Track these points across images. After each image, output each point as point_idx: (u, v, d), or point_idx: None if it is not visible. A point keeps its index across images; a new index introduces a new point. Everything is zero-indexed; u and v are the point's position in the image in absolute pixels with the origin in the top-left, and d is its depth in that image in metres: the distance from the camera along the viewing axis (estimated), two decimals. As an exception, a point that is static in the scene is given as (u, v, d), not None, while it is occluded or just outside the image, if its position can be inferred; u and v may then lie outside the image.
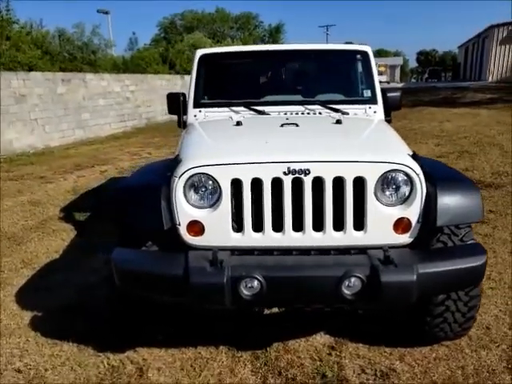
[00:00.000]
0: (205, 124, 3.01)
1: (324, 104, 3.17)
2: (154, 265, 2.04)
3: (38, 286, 3.50)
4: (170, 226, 2.11)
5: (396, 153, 2.19)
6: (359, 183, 2.07)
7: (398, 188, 2.11)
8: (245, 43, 30.21)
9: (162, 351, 2.59)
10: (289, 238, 2.12)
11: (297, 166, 2.07)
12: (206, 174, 2.12)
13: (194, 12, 40.70)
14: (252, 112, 3.15)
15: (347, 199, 2.08)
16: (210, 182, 2.13)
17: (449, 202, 2.08)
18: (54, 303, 3.19)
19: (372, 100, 3.28)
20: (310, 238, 2.12)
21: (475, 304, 2.28)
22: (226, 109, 3.22)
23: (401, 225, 2.12)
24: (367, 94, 3.30)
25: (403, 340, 2.58)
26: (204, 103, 3.29)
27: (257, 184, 2.09)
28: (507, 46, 24.45)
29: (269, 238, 2.12)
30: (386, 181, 2.10)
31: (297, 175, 2.07)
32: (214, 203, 2.14)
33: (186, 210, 2.13)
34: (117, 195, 2.23)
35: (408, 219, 2.11)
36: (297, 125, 2.67)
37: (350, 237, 2.11)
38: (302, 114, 3.13)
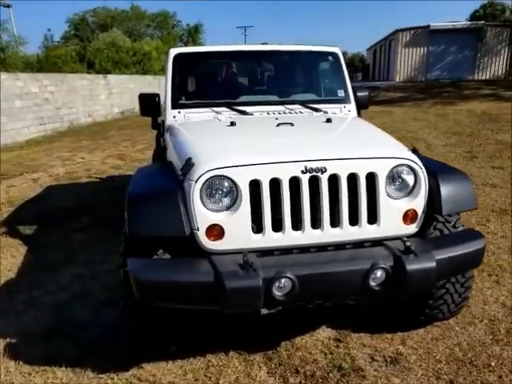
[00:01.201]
0: (193, 125, 2.92)
1: (303, 103, 3.24)
2: (179, 273, 1.93)
3: (4, 309, 3.13)
4: (190, 231, 2.03)
5: (399, 148, 2.32)
6: (370, 179, 2.17)
7: (403, 181, 2.24)
8: (165, 43, 29.51)
9: (169, 364, 2.47)
10: (308, 235, 2.15)
11: (314, 165, 2.10)
12: (224, 176, 2.07)
13: (107, 9, 38.79)
14: (234, 112, 3.11)
15: (361, 195, 2.16)
16: (226, 184, 2.09)
17: (450, 191, 2.26)
18: (29, 326, 2.89)
19: (346, 99, 3.42)
20: (327, 234, 2.16)
21: (470, 284, 2.50)
22: (207, 109, 3.16)
23: (409, 216, 2.25)
24: (341, 93, 3.44)
25: (397, 325, 2.75)
26: (183, 104, 3.18)
27: (274, 184, 2.09)
28: (411, 49, 26.80)
29: (289, 237, 2.13)
30: (394, 175, 2.22)
31: (314, 173, 2.10)
32: (231, 205, 2.10)
33: (204, 214, 2.06)
34: (130, 204, 2.08)
35: (415, 210, 2.25)
36: (292, 124, 2.70)
37: (365, 230, 2.19)
38: (284, 113, 3.18)
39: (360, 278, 1.97)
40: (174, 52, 3.29)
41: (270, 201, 2.08)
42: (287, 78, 3.55)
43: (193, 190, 2.04)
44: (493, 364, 2.41)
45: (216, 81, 3.47)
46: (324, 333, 2.73)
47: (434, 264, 2.00)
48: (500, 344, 2.59)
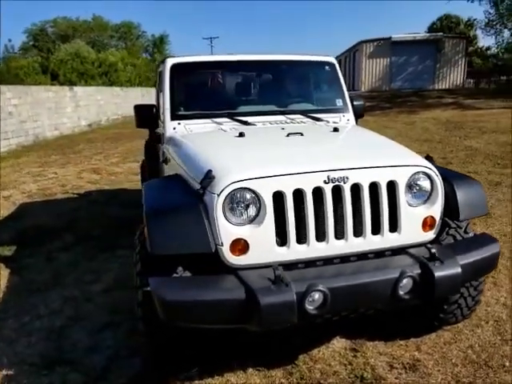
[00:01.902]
0: (199, 136, 2.84)
1: (304, 113, 3.24)
2: (208, 291, 1.85)
3: (-6, 338, 2.91)
4: (215, 247, 1.96)
5: (416, 156, 2.34)
6: (390, 187, 2.17)
7: (421, 188, 2.26)
8: (131, 54, 29.11)
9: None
10: (332, 246, 2.12)
11: (336, 174, 2.09)
12: (247, 188, 2.01)
13: (68, 19, 37.86)
14: (236, 123, 3.07)
15: (383, 203, 2.16)
16: (249, 197, 2.03)
17: (466, 197, 2.31)
18: (25, 355, 2.70)
19: (344, 109, 3.45)
20: (351, 244, 2.14)
21: (482, 288, 2.54)
22: (207, 120, 3.10)
23: (427, 223, 2.27)
24: (339, 102, 3.46)
25: (408, 331, 2.76)
26: (182, 115, 3.11)
27: (297, 195, 2.05)
28: (375, 60, 27.66)
29: (313, 248, 2.10)
30: (412, 183, 2.24)
31: (336, 183, 2.08)
32: (254, 218, 2.04)
33: (228, 228, 1.99)
34: (151, 221, 1.97)
35: (432, 217, 2.28)
36: (302, 134, 2.68)
37: (387, 239, 2.19)
38: (287, 123, 3.16)
39: (389, 287, 1.96)
40: (170, 62, 3.21)
41: (294, 212, 2.04)
42: (285, 88, 3.55)
43: (216, 203, 1.97)
44: (507, 364, 2.45)
45: (214, 91, 3.41)
46: (339, 343, 2.70)
47: (459, 270, 2.02)
48: (509, 344, 2.64)
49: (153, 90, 28.48)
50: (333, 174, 2.08)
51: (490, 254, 2.20)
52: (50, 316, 3.17)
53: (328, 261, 2.15)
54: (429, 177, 2.26)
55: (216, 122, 3.10)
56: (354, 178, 2.11)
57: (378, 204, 2.16)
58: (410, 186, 2.24)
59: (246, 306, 1.80)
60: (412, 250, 2.17)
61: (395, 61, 27.47)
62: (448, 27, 36.84)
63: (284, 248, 2.07)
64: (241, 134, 2.67)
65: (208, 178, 2.03)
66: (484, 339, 2.69)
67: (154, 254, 1.92)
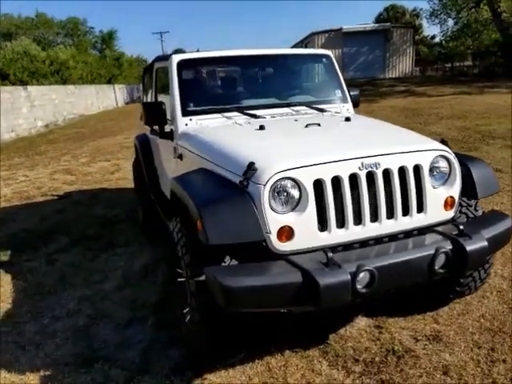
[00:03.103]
0: (218, 131, 2.88)
1: (308, 105, 3.36)
2: (267, 277, 1.93)
3: (17, 342, 2.84)
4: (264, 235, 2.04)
5: (433, 141, 2.52)
6: (415, 170, 2.33)
7: (441, 171, 2.44)
8: (80, 51, 27.99)
9: (229, 372, 2.43)
10: (368, 229, 2.25)
11: (369, 161, 2.21)
12: (289, 178, 2.10)
13: (9, 17, 35.70)
14: (246, 116, 3.13)
15: (410, 186, 2.31)
16: (291, 185, 2.12)
17: (481, 177, 2.52)
18: (57, 356, 2.68)
19: (344, 99, 3.60)
20: (384, 226, 2.28)
21: (492, 261, 2.77)
22: (217, 115, 3.14)
23: (448, 203, 2.45)
24: (338, 93, 3.60)
25: (421, 306, 2.96)
26: (193, 111, 3.12)
27: (334, 182, 2.16)
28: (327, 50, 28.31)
29: (351, 232, 2.22)
30: (434, 166, 2.41)
31: (369, 169, 2.22)
32: (296, 206, 2.14)
33: (275, 216, 2.07)
34: (205, 212, 2.00)
35: (452, 197, 2.46)
36: (319, 125, 2.79)
37: (415, 219, 2.35)
38: (293, 114, 3.26)
39: (427, 262, 2.11)
40: (176, 58, 3.20)
41: (333, 199, 2.15)
42: (286, 81, 3.63)
43: (262, 193, 2.05)
44: (520, 329, 2.71)
45: (220, 86, 3.45)
46: (362, 322, 2.86)
47: (486, 243, 2.21)
48: (515, 311, 2.91)
49: (106, 88, 27.66)
50: (366, 161, 2.21)
51: (505, 229, 2.41)
52: (70, 316, 3.14)
53: (363, 243, 2.28)
54: (447, 159, 2.44)
55: (226, 117, 3.14)
56: (385, 163, 2.24)
57: (406, 187, 2.31)
58: (432, 168, 2.41)
59: (304, 287, 1.89)
60: (439, 228, 2.34)
61: (347, 51, 28.16)
62: (395, 17, 38.25)
63: (325, 233, 2.18)
64: (261, 127, 2.74)
65: (252, 169, 2.10)
66: (492, 308, 2.94)
67: (209, 245, 1.97)
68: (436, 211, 2.41)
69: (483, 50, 27.73)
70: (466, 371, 2.36)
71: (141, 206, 4.65)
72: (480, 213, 2.71)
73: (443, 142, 2.55)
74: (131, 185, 6.82)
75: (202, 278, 2.08)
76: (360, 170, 2.20)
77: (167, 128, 3.23)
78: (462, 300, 3.02)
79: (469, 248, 2.14)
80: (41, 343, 2.83)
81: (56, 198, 6.42)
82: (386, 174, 2.26)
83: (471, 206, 2.69)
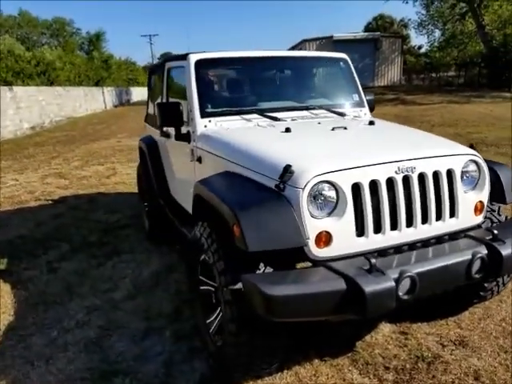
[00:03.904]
0: (244, 132, 2.81)
1: (327, 108, 3.32)
2: (309, 285, 1.86)
3: (25, 356, 2.70)
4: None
5: (463, 146, 2.50)
6: (448, 175, 2.31)
7: (471, 175, 2.42)
8: (67, 52, 27.58)
9: (260, 381, 2.34)
10: (404, 234, 2.21)
11: (405, 164, 2.18)
12: (327, 181, 2.05)
13: (-10, 14, 35.01)
14: (265, 119, 3.08)
15: (444, 190, 2.29)
16: (328, 189, 2.07)
17: (508, 182, 2.50)
18: (71, 371, 2.55)
19: (361, 103, 3.58)
20: (419, 231, 2.25)
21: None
22: (237, 117, 3.08)
23: (478, 207, 2.44)
24: (355, 97, 3.58)
25: (441, 311, 2.94)
26: (212, 112, 3.05)
27: (371, 185, 2.12)
28: (317, 58, 28.63)
29: (388, 237, 2.17)
30: (465, 170, 2.39)
31: (406, 173, 2.18)
32: (332, 210, 2.08)
33: (313, 221, 2.01)
34: (245, 219, 1.92)
35: (481, 202, 2.45)
36: (345, 128, 2.76)
37: (447, 224, 2.32)
38: (312, 118, 3.22)
39: (464, 267, 2.08)
40: (194, 58, 3.13)
41: (371, 203, 2.11)
42: (304, 84, 3.59)
43: (301, 197, 1.99)
44: (541, 333, 2.70)
45: (237, 87, 3.38)
46: (386, 328, 2.82)
47: (518, 248, 2.19)
48: (535, 315, 2.91)
49: (95, 90, 27.29)
50: (402, 165, 2.17)
51: (535, 234, 2.41)
52: (80, 328, 3.00)
53: (398, 249, 2.23)
54: (477, 164, 2.43)
55: (245, 119, 3.08)
56: (420, 167, 2.21)
57: (439, 191, 2.28)
58: (463, 173, 2.39)
59: (348, 295, 1.83)
60: (472, 233, 2.32)
61: (337, 59, 28.48)
62: (383, 27, 38.93)
63: (362, 238, 2.13)
64: (287, 130, 2.69)
65: (288, 172, 2.04)
66: (511, 312, 2.94)
67: (249, 252, 1.89)
68: (467, 216, 2.39)
69: (468, 60, 28.37)
70: (497, 376, 2.34)
71: (147, 212, 4.53)
72: (503, 218, 2.70)
73: (472, 146, 2.54)
74: (130, 189, 6.76)
75: (238, 285, 2.00)
76: (396, 173, 2.16)
77: (183, 130, 3.15)
78: (481, 304, 3.00)
79: (504, 253, 2.12)
80: (51, 357, 2.69)
81: (51, 202, 6.23)
82: (421, 178, 2.23)
83: (495, 211, 2.68)
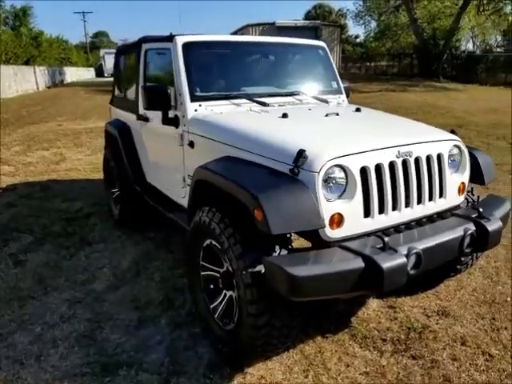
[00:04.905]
0: (238, 117, 2.79)
1: (311, 95, 3.40)
2: (330, 264, 1.93)
3: (10, 357, 2.53)
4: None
5: (447, 132, 2.69)
6: (438, 159, 2.48)
7: (455, 159, 2.63)
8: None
9: (268, 364, 2.40)
10: (402, 214, 2.35)
11: (404, 149, 2.32)
12: (339, 165, 2.13)
13: None
14: (255, 104, 3.08)
15: (435, 173, 2.46)
16: (338, 172, 2.15)
17: (486, 165, 2.75)
18: (68, 367, 2.44)
19: (339, 90, 3.70)
20: (415, 211, 2.40)
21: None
22: (226, 101, 3.05)
23: (460, 188, 2.65)
24: (334, 85, 3.69)
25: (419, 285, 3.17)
26: (201, 96, 2.99)
27: (376, 169, 2.23)
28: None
29: (390, 217, 2.30)
30: (450, 154, 2.58)
31: (404, 157, 2.32)
32: (342, 193, 2.17)
33: (327, 204, 2.08)
34: (266, 202, 1.93)
35: (463, 183, 2.66)
36: (337, 114, 2.84)
37: (438, 204, 2.50)
38: (297, 104, 3.27)
39: (458, 243, 2.27)
40: (181, 40, 3.03)
41: (376, 186, 2.22)
42: (288, 70, 3.60)
43: (316, 181, 2.05)
44: (508, 299, 3.02)
45: (224, 72, 3.31)
46: (374, 304, 2.99)
47: (501, 223, 2.43)
48: (499, 284, 3.23)
49: (26, 69, 25.17)
50: (402, 149, 2.31)
51: (508, 210, 2.67)
52: (65, 322, 2.85)
53: (397, 228, 2.38)
54: (459, 149, 2.63)
55: (234, 104, 3.06)
56: (416, 151, 2.36)
57: (431, 174, 2.45)
58: (449, 156, 2.58)
59: (367, 273, 1.93)
60: (459, 212, 2.53)
61: (280, 45, 28.73)
62: (322, 16, 39.81)
63: (368, 219, 2.24)
64: (284, 115, 2.72)
65: (303, 157, 2.08)
66: (480, 283, 3.24)
67: (271, 235, 1.92)
68: (453, 196, 2.59)
69: (401, 51, 29.93)
70: (480, 340, 2.59)
71: (116, 199, 4.36)
72: (476, 198, 2.95)
73: (453, 132, 2.74)
74: (86, 176, 6.44)
75: (258, 268, 2.03)
76: (397, 157, 2.29)
77: (170, 114, 3.07)
78: (454, 278, 3.28)
79: (490, 228, 2.34)
80: (41, 354, 2.54)
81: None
82: (416, 161, 2.38)
83: (469, 192, 2.92)
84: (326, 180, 2.11)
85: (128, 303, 3.06)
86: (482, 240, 2.36)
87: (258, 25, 28.26)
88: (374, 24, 29.26)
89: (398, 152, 2.29)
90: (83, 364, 2.45)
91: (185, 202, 3.19)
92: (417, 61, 27.05)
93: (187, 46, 3.05)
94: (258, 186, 2.06)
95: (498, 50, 30.48)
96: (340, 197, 2.16)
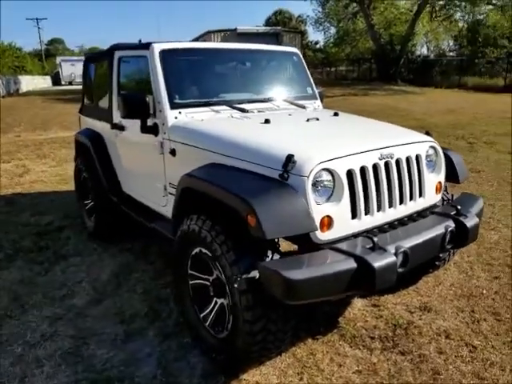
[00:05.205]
0: (221, 123, 2.79)
1: (287, 100, 3.45)
2: (323, 267, 1.96)
3: None
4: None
5: (423, 134, 2.80)
6: (416, 160, 2.58)
7: (431, 160, 2.74)
8: None
9: (261, 369, 2.41)
10: (386, 214, 2.43)
11: (386, 151, 2.40)
12: (326, 169, 2.17)
13: None
14: (235, 111, 3.10)
15: (414, 173, 2.55)
16: (326, 176, 2.19)
17: (459, 165, 2.88)
18: (59, 386, 2.33)
19: (314, 96, 3.77)
20: (397, 211, 2.48)
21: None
22: (206, 108, 3.05)
23: (438, 187, 2.76)
24: (309, 90, 3.76)
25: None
26: (181, 104, 2.97)
27: (361, 171, 2.30)
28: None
29: (375, 218, 2.37)
30: (427, 155, 2.69)
31: (386, 159, 2.40)
32: (330, 196, 2.22)
33: (317, 207, 2.12)
34: (259, 207, 1.93)
35: (440, 182, 2.78)
36: (318, 119, 2.90)
37: (418, 203, 2.60)
38: (275, 109, 3.31)
39: (440, 240, 2.37)
40: (158, 48, 3.01)
41: (362, 188, 2.28)
42: (264, 76, 3.63)
43: (306, 185, 2.08)
44: (484, 292, 3.16)
45: (203, 78, 3.26)
46: (358, 303, 3.06)
47: (478, 220, 2.55)
48: (474, 278, 3.38)
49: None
50: (384, 151, 2.38)
51: (481, 207, 2.81)
52: (48, 340, 2.74)
53: (381, 228, 2.45)
54: (435, 150, 2.75)
55: (214, 110, 3.06)
56: (397, 153, 2.45)
57: (411, 175, 2.55)
58: (426, 157, 2.69)
59: (360, 273, 1.98)
60: (437, 210, 2.63)
61: (241, 52, 28.91)
62: (283, 22, 40.41)
63: (355, 220, 2.29)
64: (267, 121, 2.75)
65: (292, 162, 2.11)
66: (456, 278, 3.38)
67: (265, 239, 1.93)
68: (431, 195, 2.70)
69: (360, 56, 30.82)
70: (462, 332, 2.70)
71: (89, 211, 4.24)
72: (450, 196, 3.08)
73: (428, 133, 2.86)
74: (53, 188, 6.22)
75: (253, 274, 2.04)
76: (379, 159, 2.36)
77: (149, 122, 3.02)
78: (431, 274, 3.41)
79: (469, 224, 2.45)
80: (25, 376, 2.42)
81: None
82: (397, 163, 2.46)
83: (444, 190, 3.05)
84: (315, 184, 2.15)
85: (112, 317, 2.97)
86: (462, 236, 2.46)
87: (220, 31, 28.32)
88: (333, 30, 30.06)
89: (381, 154, 2.37)
90: (72, 382, 2.37)
91: (165, 211, 3.16)
92: (375, 65, 27.95)
93: (164, 54, 3.03)
94: (249, 191, 2.07)
95: (451, 54, 31.95)
96: (328, 200, 2.20)
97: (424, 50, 33.38)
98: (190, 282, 2.58)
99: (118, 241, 4.19)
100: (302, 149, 2.23)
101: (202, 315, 2.53)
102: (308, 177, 2.09)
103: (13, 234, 4.46)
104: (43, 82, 42.93)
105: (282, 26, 36.37)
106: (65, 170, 7.26)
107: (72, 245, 4.20)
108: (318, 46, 41.86)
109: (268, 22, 41.64)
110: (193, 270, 2.54)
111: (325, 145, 2.37)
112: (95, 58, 4.27)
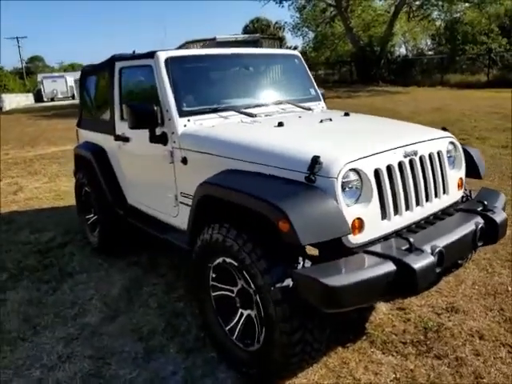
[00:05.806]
0: (234, 129, 2.72)
1: (293, 103, 3.38)
2: (362, 272, 1.87)
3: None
4: None
5: (442, 131, 2.74)
6: (438, 156, 2.53)
7: (451, 156, 2.69)
8: None
9: (292, 379, 2.30)
10: (414, 213, 2.36)
11: (409, 149, 2.34)
12: (354, 169, 2.10)
13: None
14: (243, 116, 3.02)
15: (438, 170, 2.50)
16: (354, 176, 2.12)
17: (479, 160, 2.83)
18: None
19: (317, 97, 3.71)
20: (425, 209, 2.42)
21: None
22: (214, 114, 2.97)
23: (459, 183, 2.71)
24: (312, 92, 3.70)
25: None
26: (189, 111, 2.88)
27: (387, 170, 2.22)
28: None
29: (404, 217, 2.30)
30: (448, 151, 2.64)
31: (410, 157, 2.34)
32: (358, 197, 2.14)
33: (347, 209, 2.04)
34: (293, 214, 1.84)
35: (461, 178, 2.73)
36: (331, 120, 2.84)
37: (443, 200, 2.54)
38: (282, 112, 3.24)
39: (471, 236, 2.30)
40: (163, 56, 2.92)
41: (389, 186, 2.21)
42: (269, 80, 3.58)
43: (335, 187, 2.00)
44: (510, 289, 3.11)
45: (209, 85, 3.18)
46: (383, 307, 2.97)
47: (505, 214, 2.50)
48: (495, 275, 3.33)
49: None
50: (408, 149, 2.32)
51: (505, 201, 2.76)
52: (66, 362, 2.62)
53: (409, 228, 2.37)
54: (454, 145, 2.70)
55: (222, 116, 2.97)
56: (420, 150, 2.39)
57: (434, 172, 2.49)
58: (447, 153, 2.63)
59: (400, 275, 1.90)
60: (463, 206, 2.57)
61: (224, 60, 28.94)
62: (260, 29, 40.57)
63: (385, 221, 2.22)
64: (280, 124, 2.67)
65: (318, 163, 2.03)
66: (477, 276, 3.33)
67: (300, 245, 1.85)
68: (454, 192, 2.64)
69: (339, 59, 31.03)
70: (497, 332, 2.63)
71: (95, 226, 4.10)
72: (468, 192, 3.03)
73: (444, 129, 2.81)
74: (49, 204, 6.04)
75: (287, 282, 1.94)
76: (404, 157, 2.30)
77: (157, 131, 2.92)
78: (451, 274, 3.33)
79: (498, 220, 2.39)
80: (44, 400, 2.30)
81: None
82: (420, 160, 2.40)
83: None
84: (343, 185, 2.07)
85: (129, 334, 2.85)
86: (492, 232, 2.40)
87: (199, 41, 28.28)
88: (311, 35, 30.19)
89: (405, 152, 2.30)
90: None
91: (177, 221, 3.06)
92: (355, 68, 28.14)
93: (169, 61, 2.95)
94: (278, 196, 1.98)
95: (430, 53, 32.35)
96: (357, 201, 2.13)
97: (403, 50, 33.73)
98: (213, 294, 2.47)
99: (124, 254, 4.06)
100: (326, 150, 2.15)
101: (227, 328, 2.41)
102: (337, 178, 2.01)
103: (15, 253, 4.31)
104: (26, 100, 42.30)
105: (260, 33, 36.47)
106: (58, 186, 7.08)
107: (77, 261, 4.05)
108: (297, 51, 42.17)
109: (246, 30, 41.65)
110: (215, 281, 2.43)
111: (349, 145, 2.30)
112: (93, 71, 4.14)
